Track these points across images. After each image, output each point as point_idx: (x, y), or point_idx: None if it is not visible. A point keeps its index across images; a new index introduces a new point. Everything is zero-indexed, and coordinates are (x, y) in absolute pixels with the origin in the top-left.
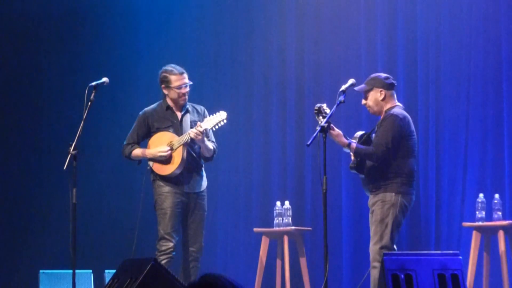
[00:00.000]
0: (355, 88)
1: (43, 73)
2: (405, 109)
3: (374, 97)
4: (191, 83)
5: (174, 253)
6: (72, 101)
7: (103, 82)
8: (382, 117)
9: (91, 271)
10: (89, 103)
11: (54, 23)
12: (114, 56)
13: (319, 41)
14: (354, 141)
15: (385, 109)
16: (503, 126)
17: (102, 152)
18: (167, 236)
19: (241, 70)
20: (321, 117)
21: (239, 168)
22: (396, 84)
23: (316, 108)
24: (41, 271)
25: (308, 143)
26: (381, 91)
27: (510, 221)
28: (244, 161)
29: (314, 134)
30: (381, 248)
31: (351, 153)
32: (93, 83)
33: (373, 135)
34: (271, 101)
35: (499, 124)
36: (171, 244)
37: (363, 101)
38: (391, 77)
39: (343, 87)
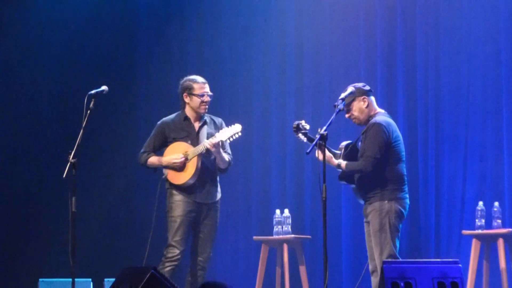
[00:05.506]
0: (340, 108)
1: (42, 81)
2: (387, 114)
3: (359, 107)
4: (212, 94)
5: (180, 260)
6: (71, 109)
7: (103, 91)
8: (366, 125)
9: (90, 279)
10: (88, 111)
11: (54, 31)
12: (114, 65)
13: (318, 45)
14: (339, 151)
15: (368, 116)
16: (502, 134)
17: (101, 160)
18: (174, 244)
19: (240, 77)
20: (300, 134)
21: (239, 176)
22: (372, 90)
23: (294, 125)
24: (40, 279)
25: (308, 151)
26: (363, 98)
27: (509, 229)
28: (244, 169)
29: (314, 142)
30: (387, 258)
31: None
32: (92, 92)
33: (359, 143)
34: (270, 108)
35: (499, 132)
36: (178, 252)
37: (347, 115)
38: (366, 84)
39: (342, 95)
